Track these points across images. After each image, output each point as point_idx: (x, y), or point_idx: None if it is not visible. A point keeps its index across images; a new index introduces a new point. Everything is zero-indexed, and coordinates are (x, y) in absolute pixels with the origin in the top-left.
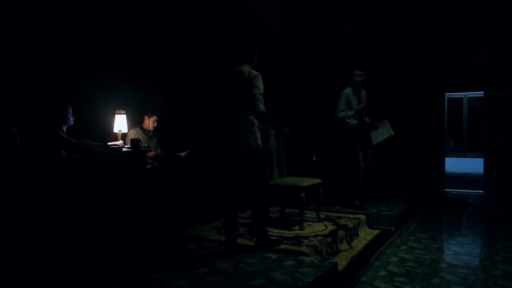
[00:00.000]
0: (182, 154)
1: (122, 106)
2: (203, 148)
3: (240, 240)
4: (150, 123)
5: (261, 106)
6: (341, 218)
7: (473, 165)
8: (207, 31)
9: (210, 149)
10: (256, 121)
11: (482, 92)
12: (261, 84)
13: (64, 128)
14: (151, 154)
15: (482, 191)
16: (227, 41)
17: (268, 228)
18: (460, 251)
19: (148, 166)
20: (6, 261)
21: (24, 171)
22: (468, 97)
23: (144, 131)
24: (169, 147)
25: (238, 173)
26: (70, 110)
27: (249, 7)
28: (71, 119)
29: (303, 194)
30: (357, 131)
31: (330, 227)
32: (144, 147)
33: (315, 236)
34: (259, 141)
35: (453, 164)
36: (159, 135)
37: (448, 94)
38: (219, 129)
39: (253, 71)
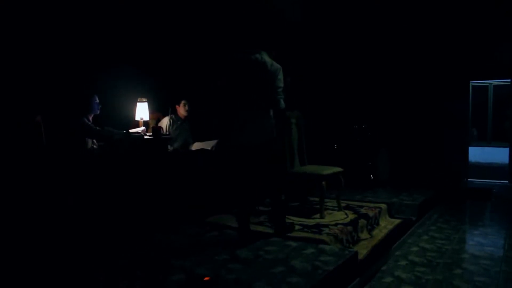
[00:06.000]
0: (209, 147)
1: (144, 94)
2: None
3: (260, 228)
4: (181, 109)
5: (283, 103)
6: (362, 207)
7: (498, 154)
8: (228, 20)
9: (224, 140)
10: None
11: (509, 80)
12: (282, 78)
13: (91, 117)
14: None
15: (507, 182)
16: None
17: (288, 216)
18: (483, 242)
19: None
20: (32, 245)
21: (48, 160)
22: (493, 85)
23: (179, 119)
24: (201, 135)
25: (256, 164)
26: (97, 99)
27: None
28: (97, 108)
29: (324, 183)
30: None
31: (351, 216)
32: (166, 134)
33: (336, 224)
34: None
35: (477, 154)
36: (192, 121)
37: (473, 82)
38: (235, 122)
39: (276, 63)
